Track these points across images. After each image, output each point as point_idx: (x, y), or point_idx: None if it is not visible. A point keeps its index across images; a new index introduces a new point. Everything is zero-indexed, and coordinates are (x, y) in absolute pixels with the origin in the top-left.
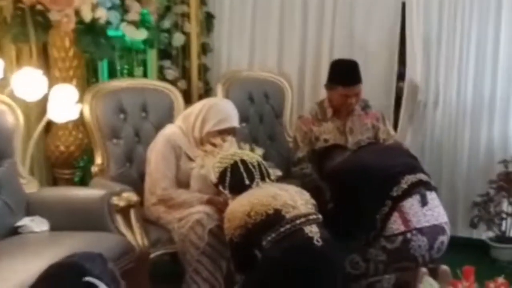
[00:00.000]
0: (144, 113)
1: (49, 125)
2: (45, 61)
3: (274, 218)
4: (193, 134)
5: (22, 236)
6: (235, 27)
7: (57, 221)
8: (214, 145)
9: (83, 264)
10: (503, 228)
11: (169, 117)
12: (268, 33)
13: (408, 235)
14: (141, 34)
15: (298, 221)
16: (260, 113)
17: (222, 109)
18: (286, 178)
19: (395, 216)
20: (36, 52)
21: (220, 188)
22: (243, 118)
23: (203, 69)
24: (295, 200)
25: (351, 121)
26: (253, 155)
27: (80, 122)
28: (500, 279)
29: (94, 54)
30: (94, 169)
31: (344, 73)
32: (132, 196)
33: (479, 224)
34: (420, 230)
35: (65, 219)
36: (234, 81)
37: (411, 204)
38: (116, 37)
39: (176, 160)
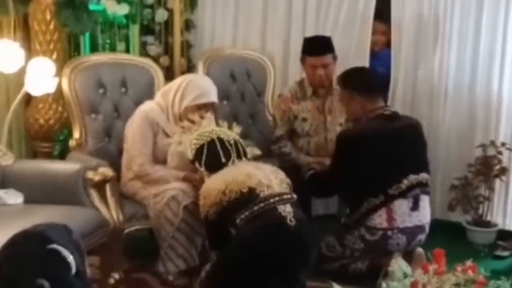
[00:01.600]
0: (123, 88)
1: (30, 98)
2: (27, 34)
3: (248, 197)
4: (173, 109)
5: None
6: (219, 4)
7: (31, 194)
8: (192, 122)
9: (47, 232)
10: (480, 211)
11: (149, 93)
12: (252, 11)
13: (389, 232)
14: (123, 9)
15: (272, 200)
16: (242, 91)
17: (201, 84)
18: (265, 156)
19: (382, 211)
20: (16, 24)
21: (196, 165)
22: (225, 96)
23: (186, 46)
24: (270, 179)
25: (331, 100)
26: (231, 133)
27: (60, 96)
28: (469, 262)
29: (74, 27)
30: (71, 143)
31: (312, 44)
32: (108, 171)
33: (456, 207)
34: (402, 230)
35: (39, 192)
36: (216, 59)
37: (401, 204)
38: (97, 11)
39: (154, 137)
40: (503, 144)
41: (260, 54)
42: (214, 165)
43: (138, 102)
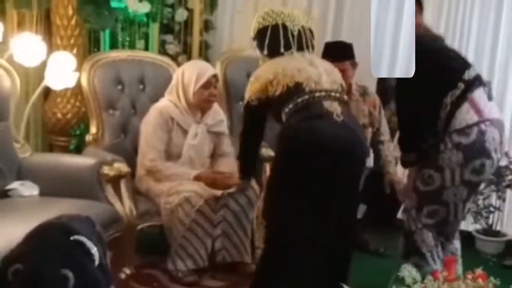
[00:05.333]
0: (141, 85)
1: (48, 91)
2: (48, 28)
3: (294, 91)
4: (183, 104)
5: (11, 199)
6: (239, 6)
7: (47, 187)
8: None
9: (72, 224)
10: (490, 221)
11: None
12: None
13: (483, 126)
14: (144, 7)
15: (317, 94)
16: None
17: (193, 67)
18: None
19: (467, 106)
20: (38, 18)
21: (255, 43)
22: (240, 97)
23: (205, 46)
24: (321, 75)
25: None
26: (299, 20)
27: (78, 91)
28: (479, 271)
29: (95, 23)
30: (88, 138)
31: (331, 49)
32: (123, 167)
33: (467, 216)
34: (492, 122)
35: (55, 185)
36: (234, 60)
37: (479, 95)
38: (119, 9)
39: (169, 133)
40: None
41: None
42: (272, 51)
43: (155, 100)
